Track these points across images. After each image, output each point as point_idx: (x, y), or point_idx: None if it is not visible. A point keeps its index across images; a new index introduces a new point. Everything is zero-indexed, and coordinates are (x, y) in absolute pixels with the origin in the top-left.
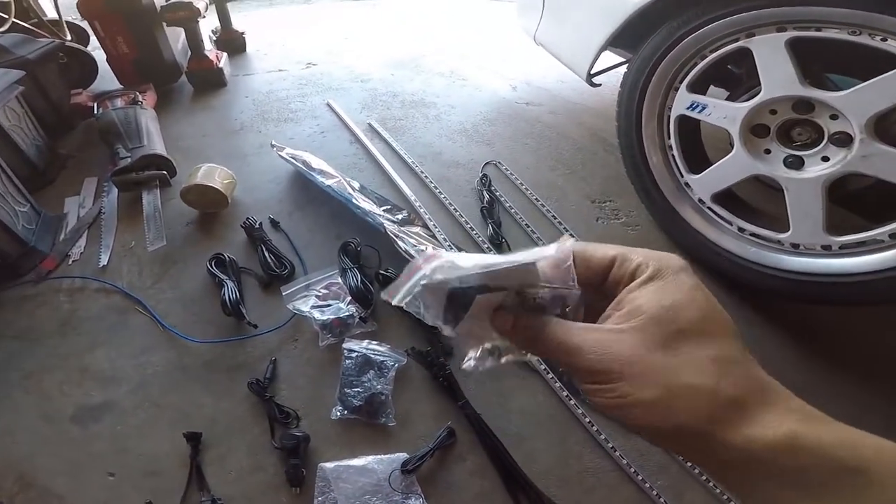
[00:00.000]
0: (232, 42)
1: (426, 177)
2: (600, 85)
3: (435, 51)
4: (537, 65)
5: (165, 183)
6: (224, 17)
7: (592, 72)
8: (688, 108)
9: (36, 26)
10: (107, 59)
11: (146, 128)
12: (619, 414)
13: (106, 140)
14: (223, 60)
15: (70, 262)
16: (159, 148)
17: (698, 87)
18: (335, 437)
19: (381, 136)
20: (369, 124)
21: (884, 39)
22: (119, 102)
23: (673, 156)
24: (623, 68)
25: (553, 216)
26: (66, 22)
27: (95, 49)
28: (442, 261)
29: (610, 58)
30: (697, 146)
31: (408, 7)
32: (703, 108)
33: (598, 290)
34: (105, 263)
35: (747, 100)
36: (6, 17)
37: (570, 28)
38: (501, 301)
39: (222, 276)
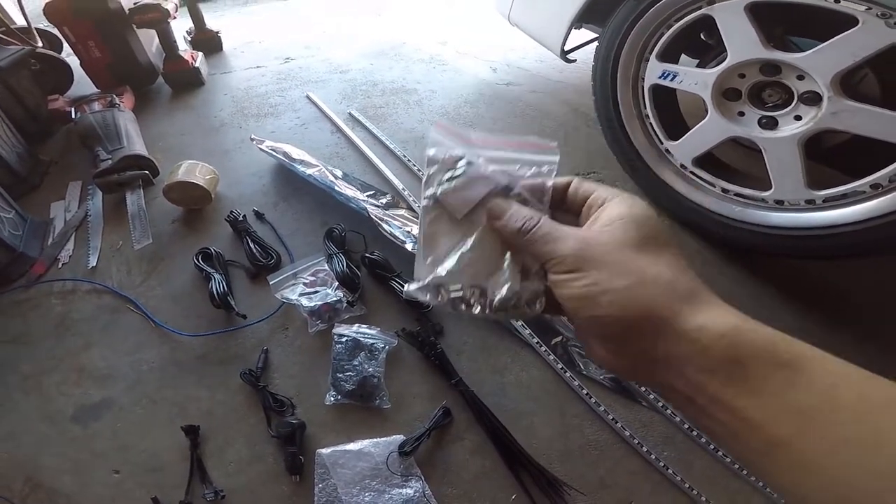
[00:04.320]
0: (207, 42)
1: (409, 160)
2: (575, 60)
3: (414, 39)
4: (516, 46)
5: (148, 182)
6: (197, 18)
7: (566, 48)
8: (660, 77)
9: (5, 34)
10: (81, 65)
11: (125, 129)
12: (585, 303)
13: (86, 144)
14: (199, 60)
15: (60, 266)
16: (139, 148)
17: (669, 56)
18: (331, 422)
19: (362, 125)
20: (350, 113)
21: (837, 0)
22: (96, 106)
23: (651, 124)
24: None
25: None
26: (37, 29)
27: (70, 55)
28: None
29: (586, 35)
30: (675, 114)
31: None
32: (675, 77)
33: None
34: (94, 265)
35: (716, 66)
36: None
37: (542, 6)
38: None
39: (209, 270)
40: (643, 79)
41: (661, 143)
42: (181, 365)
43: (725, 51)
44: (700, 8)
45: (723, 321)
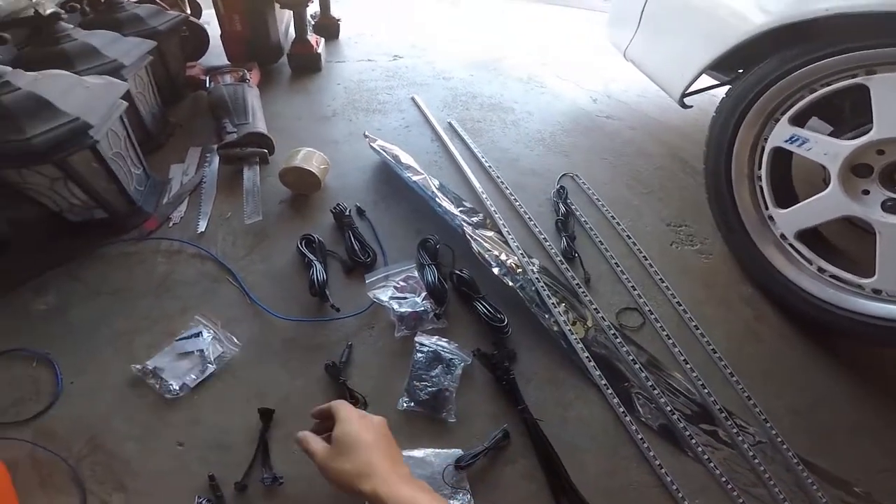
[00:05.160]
0: (328, 28)
1: (502, 182)
2: (692, 107)
3: (514, 55)
4: (618, 77)
5: (265, 160)
6: (324, 3)
7: (686, 93)
8: (786, 141)
9: None
10: (220, 36)
11: (252, 106)
12: (329, 480)
13: (214, 113)
14: (321, 46)
15: (170, 225)
16: (262, 126)
17: (799, 119)
18: (398, 426)
19: (459, 137)
20: (449, 123)
21: None
22: (228, 79)
23: (760, 187)
24: (714, 91)
25: (627, 236)
26: None
27: (206, 24)
28: None
29: (704, 79)
30: (787, 180)
31: (487, 8)
32: (804, 143)
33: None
34: (203, 230)
35: (853, 137)
36: None
37: (668, 48)
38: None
39: (311, 257)
40: (766, 139)
41: (766, 210)
42: (268, 346)
43: (869, 123)
44: (855, 77)
45: (378, 489)
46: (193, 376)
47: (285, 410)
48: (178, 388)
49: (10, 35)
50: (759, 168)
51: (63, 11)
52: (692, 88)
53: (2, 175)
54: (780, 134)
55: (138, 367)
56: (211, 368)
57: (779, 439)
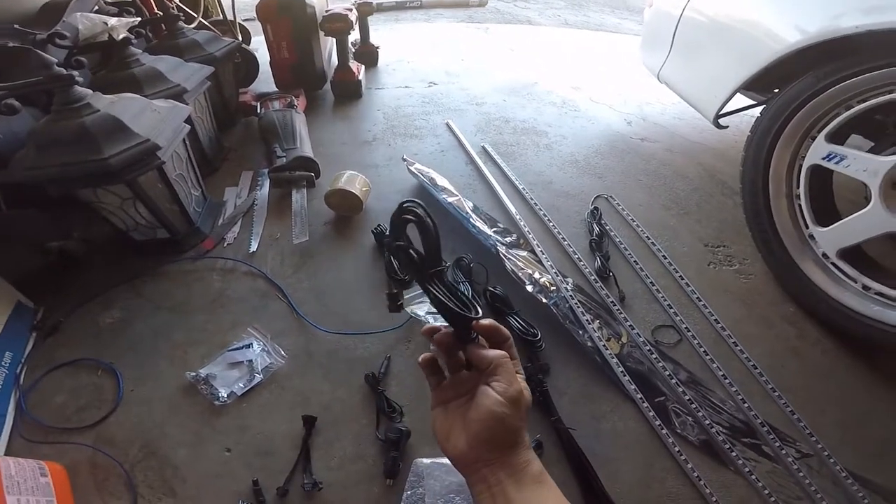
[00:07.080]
0: (368, 55)
1: (535, 204)
2: (727, 127)
3: (546, 80)
4: (653, 99)
5: (311, 184)
6: (364, 31)
7: (721, 113)
8: (824, 158)
9: (215, 24)
10: (269, 62)
11: (299, 131)
12: (495, 411)
13: (265, 138)
14: (362, 73)
15: (225, 245)
16: (308, 151)
17: (837, 136)
18: (431, 436)
19: (493, 160)
20: (483, 147)
21: None
22: (277, 105)
23: (800, 206)
24: (751, 111)
25: (663, 256)
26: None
27: (255, 50)
28: None
29: (739, 99)
30: (827, 198)
31: (518, 34)
32: (841, 160)
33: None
34: (254, 249)
35: (893, 153)
36: (196, 15)
37: (701, 69)
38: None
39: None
40: (803, 158)
41: (807, 228)
42: (312, 357)
43: None
44: (892, 92)
45: (532, 461)
46: (241, 385)
47: (327, 418)
48: (226, 395)
49: (86, 59)
50: (798, 187)
51: (132, 37)
52: (727, 109)
53: (79, 194)
54: (818, 152)
55: (192, 374)
56: (258, 378)
57: (825, 453)
